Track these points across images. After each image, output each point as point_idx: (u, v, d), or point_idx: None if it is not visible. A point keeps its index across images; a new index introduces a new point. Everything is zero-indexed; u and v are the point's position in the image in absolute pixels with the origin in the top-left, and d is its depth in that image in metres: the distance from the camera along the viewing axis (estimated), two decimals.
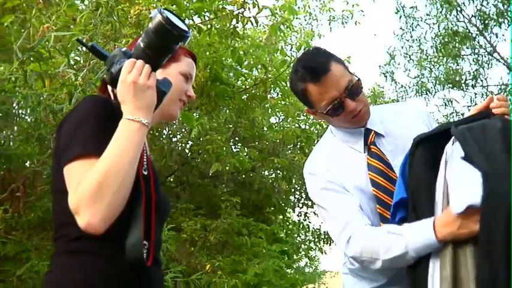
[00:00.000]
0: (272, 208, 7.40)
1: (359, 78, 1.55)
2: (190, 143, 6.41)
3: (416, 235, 1.34)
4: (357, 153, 1.60)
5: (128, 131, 1.16)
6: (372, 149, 1.58)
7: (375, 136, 1.59)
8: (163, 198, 1.36)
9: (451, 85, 9.31)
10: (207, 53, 4.57)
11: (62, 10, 2.54)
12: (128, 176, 1.14)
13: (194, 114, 5.47)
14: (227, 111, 5.51)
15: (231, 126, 5.98)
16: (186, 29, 1.22)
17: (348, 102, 1.52)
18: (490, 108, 1.40)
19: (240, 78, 5.40)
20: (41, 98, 2.67)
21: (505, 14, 8.23)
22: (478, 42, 8.86)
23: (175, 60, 1.39)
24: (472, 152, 1.28)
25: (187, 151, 6.53)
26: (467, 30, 8.81)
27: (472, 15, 8.74)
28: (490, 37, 8.78)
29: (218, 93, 4.88)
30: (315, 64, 1.53)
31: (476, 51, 8.95)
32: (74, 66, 3.80)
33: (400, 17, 9.38)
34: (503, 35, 8.73)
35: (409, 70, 9.63)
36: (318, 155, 1.70)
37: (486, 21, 8.51)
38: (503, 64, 8.76)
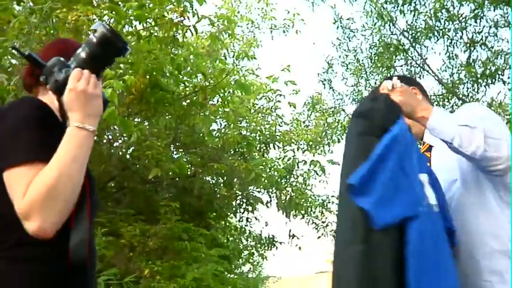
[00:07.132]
0: (214, 213, 7.46)
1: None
2: (131, 148, 6.39)
3: None
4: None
5: (77, 138, 1.21)
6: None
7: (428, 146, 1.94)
8: (96, 202, 1.41)
9: None
10: (147, 60, 4.61)
11: None
12: (78, 182, 1.19)
13: (135, 120, 5.48)
14: (167, 117, 5.55)
15: (171, 132, 6.02)
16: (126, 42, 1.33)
17: None
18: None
19: (179, 85, 5.46)
20: None
21: (433, 28, 8.75)
22: (410, 54, 9.31)
23: None
24: None
25: (128, 156, 6.50)
26: (400, 43, 9.25)
27: (404, 30, 9.20)
28: (421, 50, 9.27)
29: (158, 99, 4.92)
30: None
31: (409, 62, 9.43)
32: (10, 70, 3.75)
33: (338, 28, 9.67)
34: (432, 48, 9.29)
35: (347, 79, 9.94)
36: None
37: (417, 35, 9.01)
38: (432, 76, 9.29)
